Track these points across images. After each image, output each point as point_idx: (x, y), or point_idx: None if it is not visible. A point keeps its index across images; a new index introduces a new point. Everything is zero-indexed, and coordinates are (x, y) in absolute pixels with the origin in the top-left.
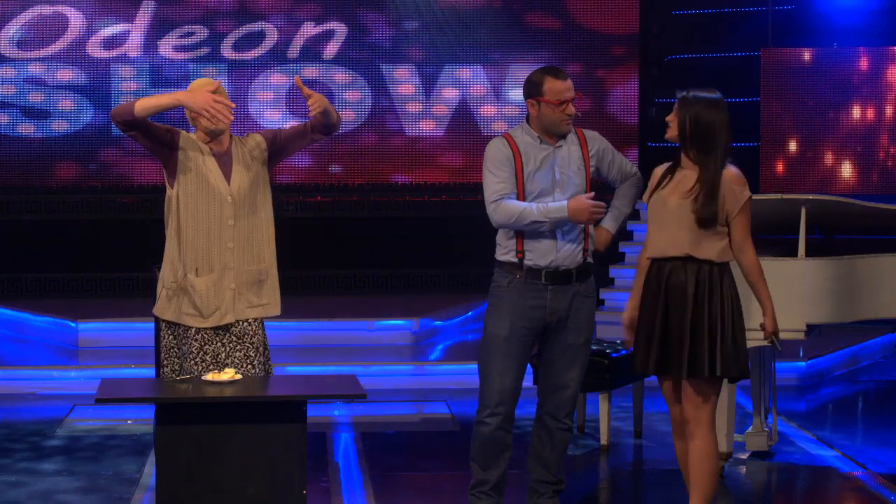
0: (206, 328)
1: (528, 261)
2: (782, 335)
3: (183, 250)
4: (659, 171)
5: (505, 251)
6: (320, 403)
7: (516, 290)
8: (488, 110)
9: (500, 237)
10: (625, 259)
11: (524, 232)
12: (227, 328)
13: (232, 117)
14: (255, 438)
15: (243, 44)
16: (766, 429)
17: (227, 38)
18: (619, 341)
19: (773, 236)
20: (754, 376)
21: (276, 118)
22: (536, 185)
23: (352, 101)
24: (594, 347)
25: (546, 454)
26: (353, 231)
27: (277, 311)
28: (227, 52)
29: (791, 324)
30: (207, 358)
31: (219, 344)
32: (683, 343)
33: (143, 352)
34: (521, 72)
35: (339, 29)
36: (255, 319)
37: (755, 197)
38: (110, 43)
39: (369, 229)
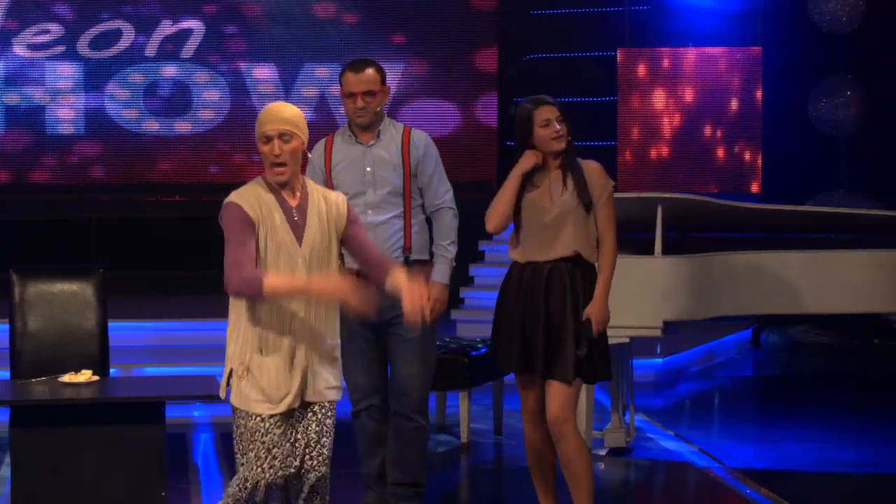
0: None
1: (349, 263)
2: (640, 332)
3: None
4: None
5: None
6: (180, 404)
7: None
8: None
9: None
10: (485, 258)
11: None
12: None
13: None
14: (112, 440)
15: (99, 42)
16: (624, 425)
17: (83, 36)
18: (479, 340)
19: (630, 235)
20: (612, 373)
21: (134, 116)
22: (344, 184)
23: (210, 100)
24: (453, 346)
25: (401, 456)
26: (220, 231)
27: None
28: (84, 51)
29: (648, 320)
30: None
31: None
32: (567, 344)
33: None
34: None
35: (197, 28)
36: (331, 402)
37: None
38: None
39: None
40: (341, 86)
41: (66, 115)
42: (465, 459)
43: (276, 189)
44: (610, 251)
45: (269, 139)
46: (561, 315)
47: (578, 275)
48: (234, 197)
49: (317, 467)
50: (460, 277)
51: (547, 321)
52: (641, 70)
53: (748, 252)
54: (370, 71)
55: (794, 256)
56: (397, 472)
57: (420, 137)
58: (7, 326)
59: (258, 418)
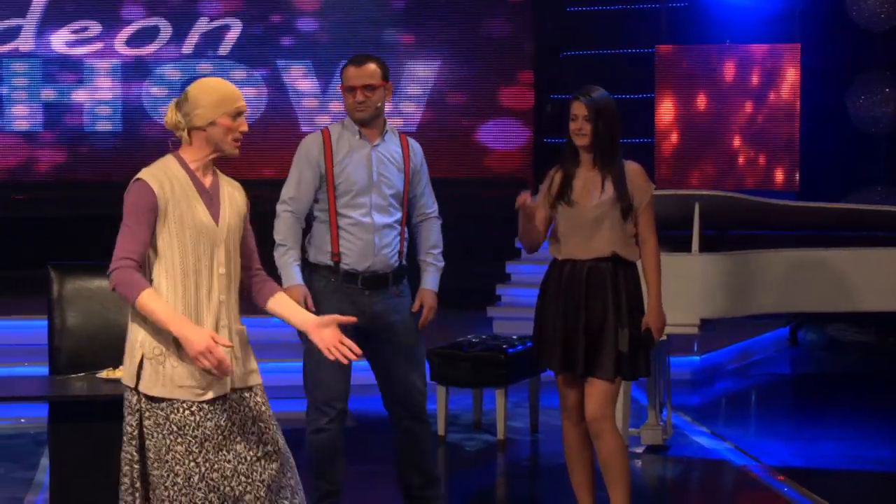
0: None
1: (345, 265)
2: (677, 330)
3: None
4: (555, 175)
5: (318, 253)
6: None
7: (334, 294)
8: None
9: (314, 237)
10: (521, 255)
11: (341, 232)
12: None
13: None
14: None
15: (137, 39)
16: (661, 423)
17: (121, 33)
18: (515, 337)
19: (667, 232)
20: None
21: None
22: (349, 181)
23: (248, 96)
24: (490, 343)
25: (419, 458)
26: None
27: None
28: (121, 48)
29: (685, 318)
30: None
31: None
32: (608, 343)
33: (37, 350)
34: (417, 69)
35: (234, 24)
36: (259, 386)
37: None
38: (1, 37)
39: (262, 226)
40: (342, 80)
41: (102, 111)
42: (502, 457)
43: (190, 168)
44: (654, 256)
45: (240, 114)
46: (602, 314)
47: (621, 275)
48: (144, 174)
49: (270, 450)
50: (497, 274)
51: (587, 320)
52: (679, 67)
53: (785, 250)
54: (371, 65)
55: (832, 254)
56: (417, 474)
57: (417, 146)
58: (46, 322)
59: (187, 410)
